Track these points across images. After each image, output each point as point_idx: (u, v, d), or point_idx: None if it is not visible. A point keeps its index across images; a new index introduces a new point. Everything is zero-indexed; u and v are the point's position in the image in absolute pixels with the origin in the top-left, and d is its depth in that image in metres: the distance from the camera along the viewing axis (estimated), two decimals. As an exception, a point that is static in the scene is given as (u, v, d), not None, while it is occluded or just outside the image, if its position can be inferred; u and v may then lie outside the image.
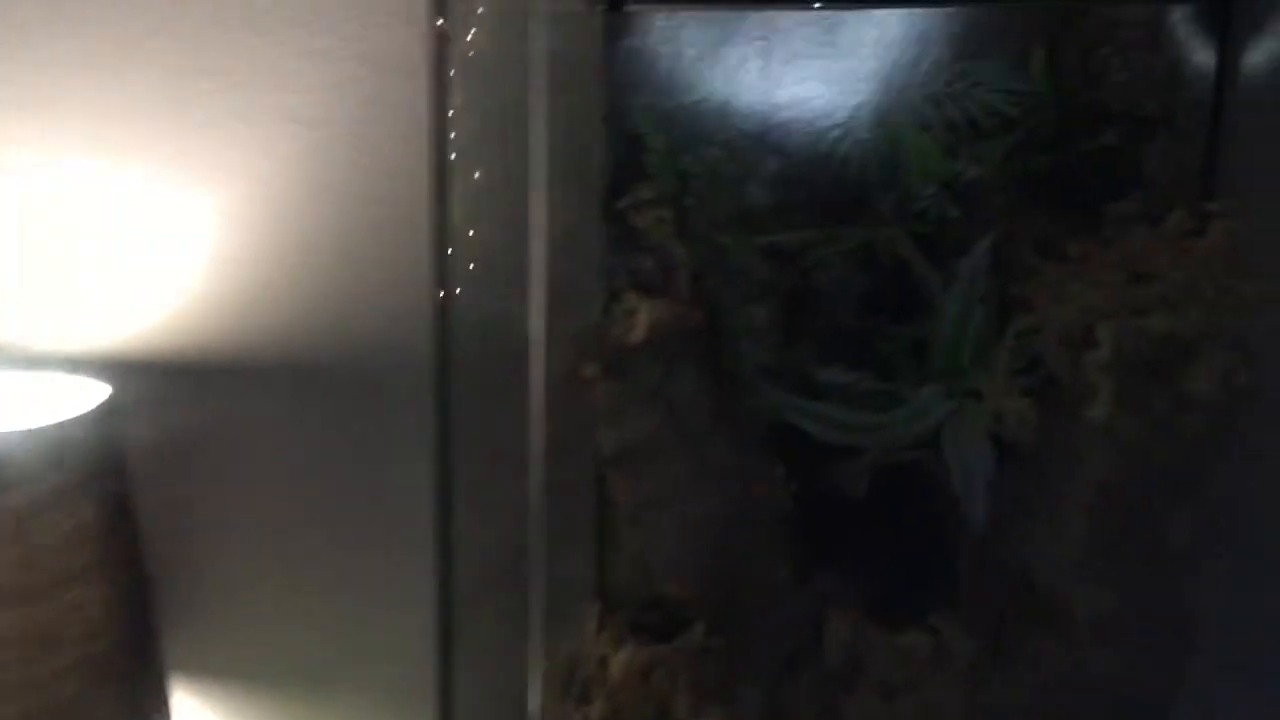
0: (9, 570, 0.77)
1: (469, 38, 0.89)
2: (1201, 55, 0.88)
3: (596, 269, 0.90)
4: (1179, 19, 0.88)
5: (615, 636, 0.93)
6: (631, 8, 0.90)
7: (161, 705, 0.92)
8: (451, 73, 0.89)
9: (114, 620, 0.83)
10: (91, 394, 0.86)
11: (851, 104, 0.91)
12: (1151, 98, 0.88)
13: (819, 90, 0.91)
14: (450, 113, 0.90)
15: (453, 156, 0.90)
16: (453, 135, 0.90)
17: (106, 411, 0.84)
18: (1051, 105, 0.90)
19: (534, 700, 0.94)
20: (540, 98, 0.87)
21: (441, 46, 0.89)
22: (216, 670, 1.02)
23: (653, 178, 0.91)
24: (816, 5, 0.89)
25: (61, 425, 0.80)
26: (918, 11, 0.90)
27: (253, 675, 1.02)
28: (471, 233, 0.91)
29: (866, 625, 0.89)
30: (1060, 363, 0.84)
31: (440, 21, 0.88)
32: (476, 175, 0.90)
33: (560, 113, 0.88)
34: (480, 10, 0.86)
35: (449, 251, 0.91)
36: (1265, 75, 0.84)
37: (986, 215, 0.91)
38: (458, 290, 0.92)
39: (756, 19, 0.90)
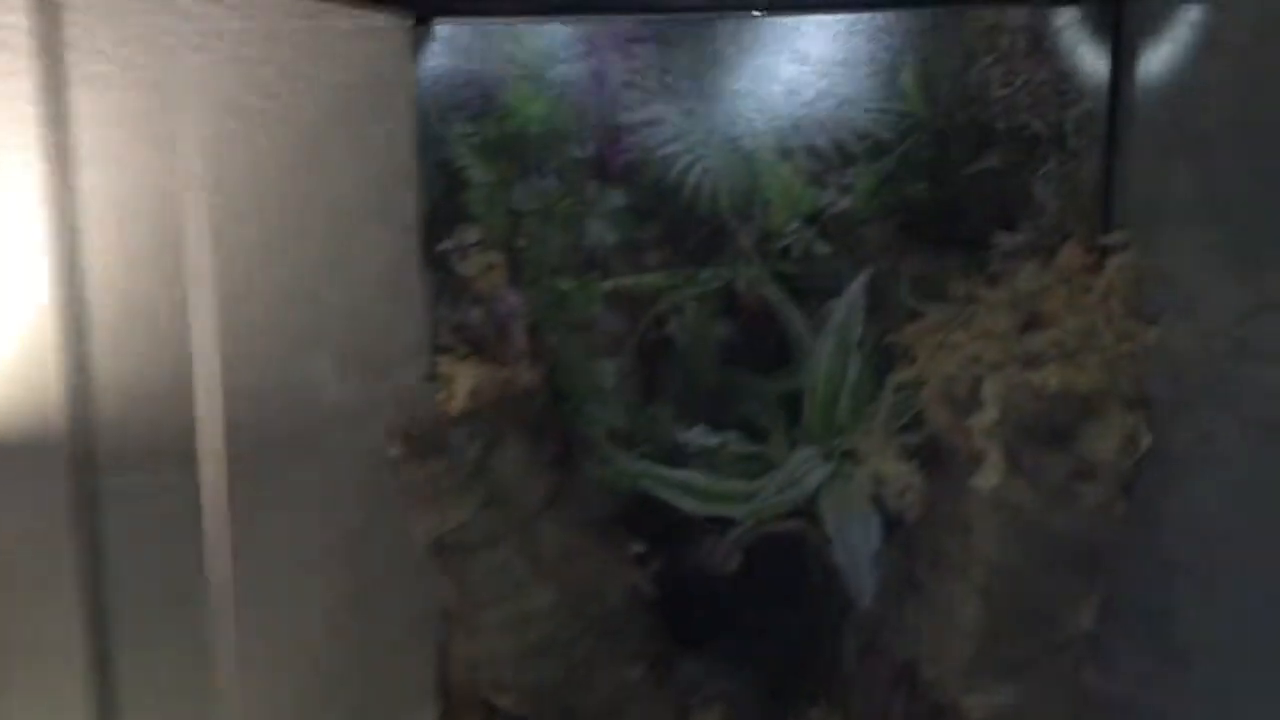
0: None
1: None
2: (1093, 64, 0.78)
3: (417, 324, 0.78)
4: (1066, 23, 0.77)
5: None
6: (442, 21, 0.78)
7: None
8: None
9: None
10: None
11: (701, 128, 0.79)
12: (1038, 114, 0.77)
13: (662, 112, 0.79)
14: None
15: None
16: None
17: None
18: (927, 125, 0.79)
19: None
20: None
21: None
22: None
23: (478, 217, 0.79)
24: (649, 15, 0.77)
25: None
26: (773, 20, 0.79)
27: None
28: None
29: (737, 726, 0.78)
30: (944, 422, 0.73)
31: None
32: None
33: (360, 143, 0.76)
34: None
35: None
36: (1164, 84, 0.73)
37: (860, 252, 0.80)
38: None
39: (588, 33, 0.78)
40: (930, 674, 0.70)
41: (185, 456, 0.79)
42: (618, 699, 0.73)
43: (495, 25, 0.79)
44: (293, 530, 0.79)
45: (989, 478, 0.68)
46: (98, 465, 0.74)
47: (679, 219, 0.80)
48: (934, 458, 0.76)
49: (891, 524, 0.79)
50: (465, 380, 0.71)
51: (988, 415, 0.68)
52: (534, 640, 0.71)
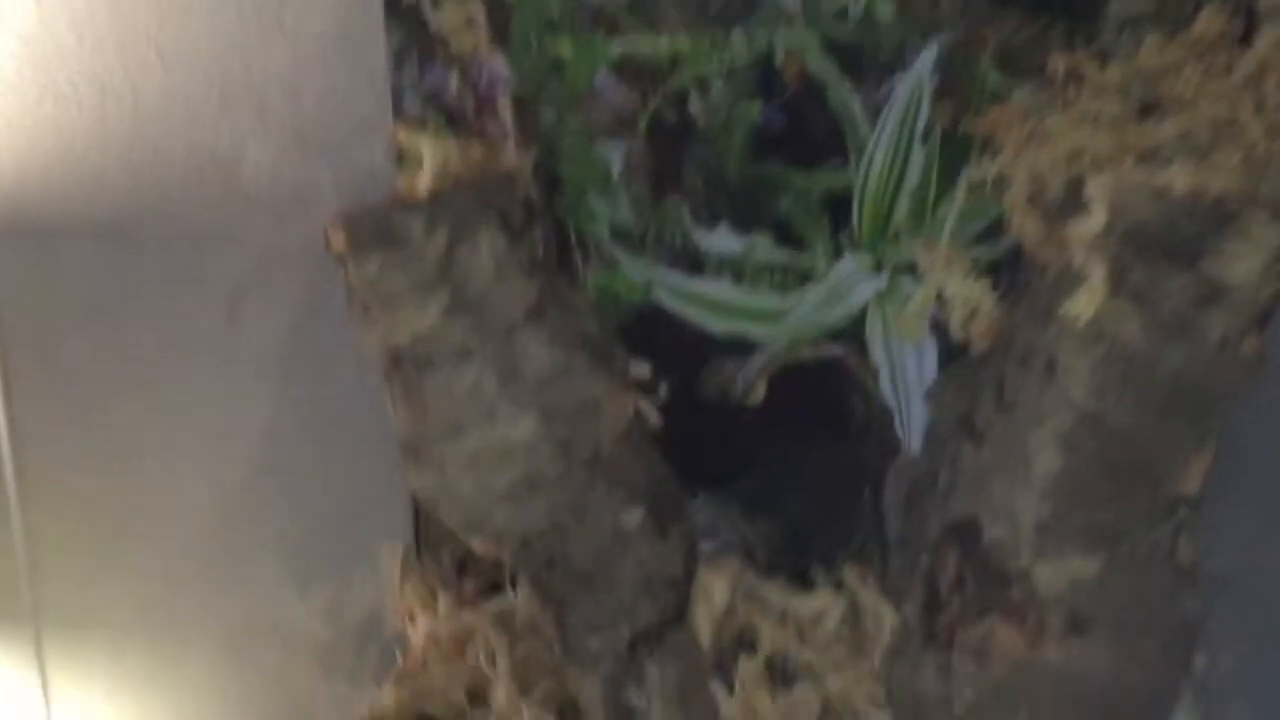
0: None
1: None
2: None
3: (376, 92, 0.63)
4: None
5: (424, 589, 0.69)
6: None
7: None
8: None
9: None
10: None
11: None
12: None
13: None
14: None
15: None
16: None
17: None
18: None
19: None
20: None
21: None
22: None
23: (456, -45, 0.63)
24: None
25: None
26: None
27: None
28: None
29: (754, 583, 0.66)
30: (1031, 232, 0.58)
31: None
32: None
33: None
34: None
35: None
36: None
37: (932, 16, 0.63)
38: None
39: None
40: (994, 535, 0.58)
41: (81, 233, 0.66)
42: (612, 549, 0.61)
43: None
44: (214, 337, 0.66)
45: (1088, 302, 0.54)
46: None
47: (708, -34, 0.63)
48: (1013, 276, 0.61)
49: (953, 355, 0.66)
50: (433, 156, 0.57)
51: (1092, 222, 0.53)
52: (511, 478, 0.58)
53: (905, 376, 0.68)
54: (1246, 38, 0.57)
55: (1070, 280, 0.55)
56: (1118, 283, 0.53)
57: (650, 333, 0.69)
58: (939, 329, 0.66)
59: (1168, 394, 0.55)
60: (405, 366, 0.58)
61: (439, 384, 0.58)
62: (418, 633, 0.67)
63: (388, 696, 0.65)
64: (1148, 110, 0.57)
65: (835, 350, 0.69)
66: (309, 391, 0.67)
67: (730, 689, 0.62)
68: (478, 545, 0.61)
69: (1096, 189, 0.54)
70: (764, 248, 0.67)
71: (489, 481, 0.59)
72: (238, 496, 0.71)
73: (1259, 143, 0.53)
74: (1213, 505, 0.58)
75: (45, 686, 0.80)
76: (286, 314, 0.65)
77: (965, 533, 0.60)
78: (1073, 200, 0.56)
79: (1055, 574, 0.56)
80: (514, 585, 0.69)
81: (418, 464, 0.59)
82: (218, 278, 0.65)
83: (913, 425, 0.68)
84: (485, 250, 0.57)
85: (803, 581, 0.68)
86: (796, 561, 0.70)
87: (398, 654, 0.70)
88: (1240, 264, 0.52)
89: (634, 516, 0.61)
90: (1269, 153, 0.53)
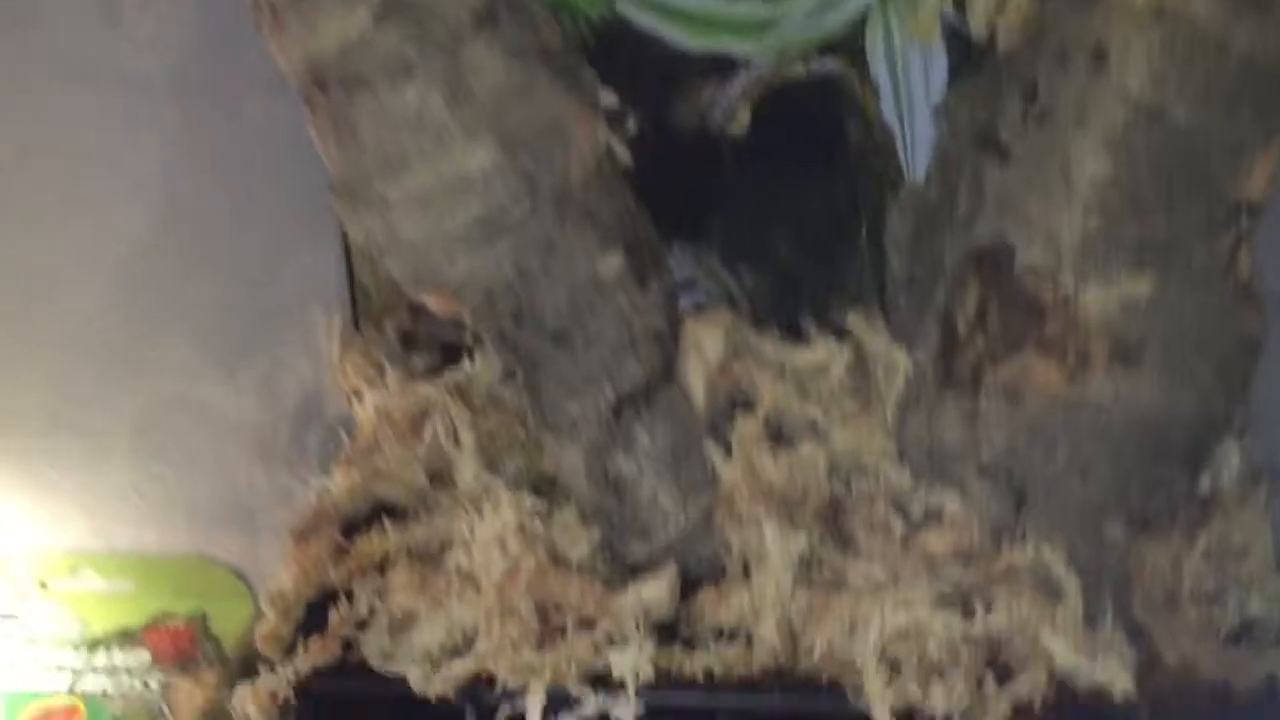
0: None
1: None
2: None
3: None
4: None
5: (368, 364, 0.61)
6: None
7: None
8: None
9: None
10: None
11: None
12: None
13: None
14: None
15: None
16: None
17: None
18: None
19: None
20: None
21: None
22: None
23: None
24: None
25: None
26: None
27: None
28: None
29: (748, 335, 0.58)
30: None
31: None
32: None
33: None
34: None
35: None
36: None
37: None
38: None
39: None
40: (1029, 260, 0.50)
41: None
42: (589, 301, 0.52)
43: None
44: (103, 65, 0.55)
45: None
46: None
47: None
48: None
49: (967, 62, 0.57)
50: None
51: None
52: (468, 218, 0.49)
53: (910, 92, 0.59)
54: None
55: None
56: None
57: (615, 55, 0.59)
58: (953, 30, 0.58)
59: (1237, 80, 0.47)
60: (332, 88, 0.47)
61: (375, 108, 0.48)
62: (365, 411, 0.59)
63: (338, 483, 0.57)
64: None
65: (829, 66, 0.60)
66: (213, 129, 0.57)
67: (727, 450, 0.55)
68: (433, 302, 0.52)
69: None
70: (747, -58, 0.57)
71: (443, 223, 0.49)
72: (141, 263, 0.61)
73: None
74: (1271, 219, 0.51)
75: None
76: (178, 31, 0.54)
77: (993, 260, 0.52)
78: None
79: (1103, 298, 0.49)
80: (470, 356, 0.61)
81: (355, 208, 0.50)
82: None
83: (918, 149, 0.60)
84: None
85: (795, 335, 0.60)
86: (787, 314, 0.62)
87: (344, 438, 0.62)
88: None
89: (611, 263, 0.53)
90: None
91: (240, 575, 0.78)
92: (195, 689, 0.73)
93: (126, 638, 0.77)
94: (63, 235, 0.62)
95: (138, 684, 0.74)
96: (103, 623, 0.77)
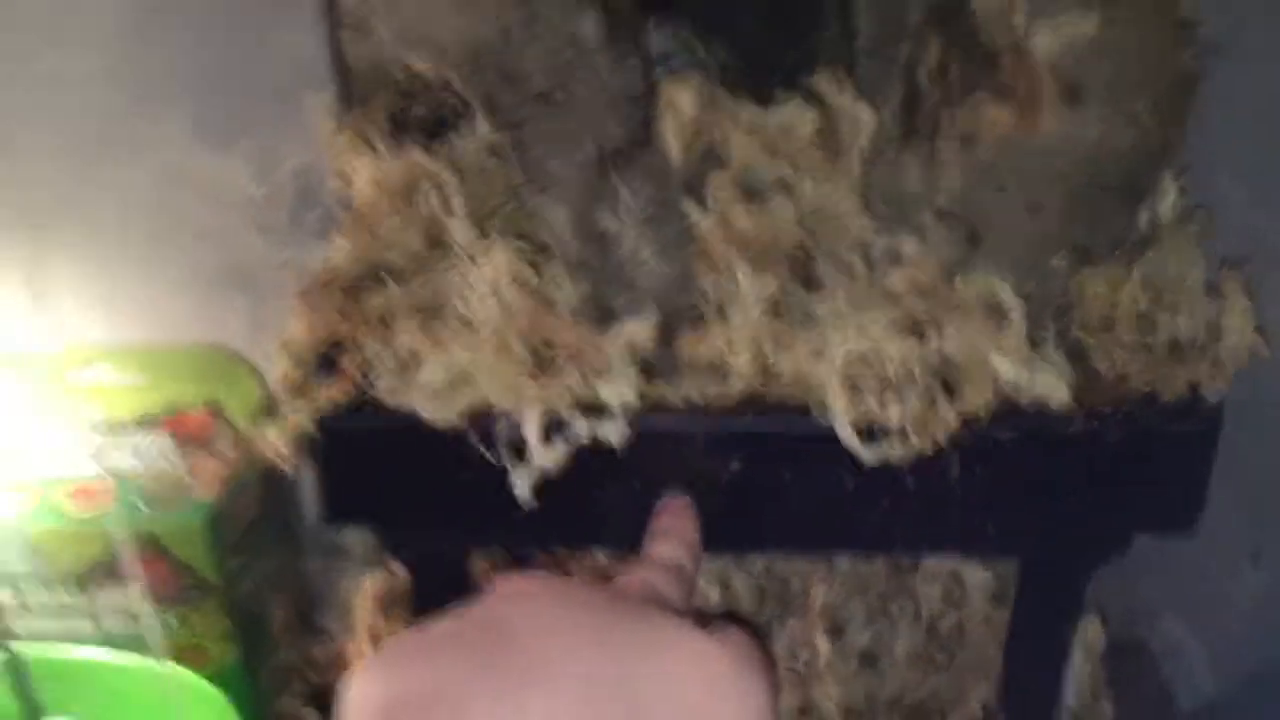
0: None
1: None
2: None
3: None
4: None
5: (359, 140, 0.63)
6: None
7: None
8: None
9: None
10: None
11: None
12: None
13: None
14: None
15: None
16: None
17: None
18: None
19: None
20: None
21: None
22: None
23: None
24: None
25: None
26: None
27: None
28: None
29: (719, 97, 0.62)
30: None
31: None
32: None
33: None
34: None
35: None
36: None
37: None
38: None
39: None
40: (984, 5, 0.53)
41: None
42: (570, 62, 0.55)
43: None
44: None
45: None
46: None
47: None
48: None
49: None
50: None
51: None
52: (449, -20, 0.52)
53: None
54: None
55: None
56: None
57: None
58: None
59: None
60: None
61: None
62: (361, 181, 0.62)
63: (339, 251, 0.61)
64: None
65: None
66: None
67: (703, 205, 0.59)
68: (421, 65, 0.55)
69: None
70: None
71: (426, -14, 0.52)
72: (133, 39, 0.63)
73: None
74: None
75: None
76: None
77: (949, 10, 0.55)
78: None
79: (1051, 38, 0.52)
80: (457, 130, 0.64)
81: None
82: None
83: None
84: None
85: (768, 102, 0.63)
86: (760, 84, 0.65)
87: (340, 214, 0.65)
88: None
89: (588, 24, 0.55)
90: None
91: (249, 361, 0.82)
92: (215, 461, 0.78)
93: (146, 424, 0.81)
94: (52, 14, 0.63)
95: (162, 462, 0.79)
96: (122, 412, 0.82)
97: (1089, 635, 0.71)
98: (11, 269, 0.75)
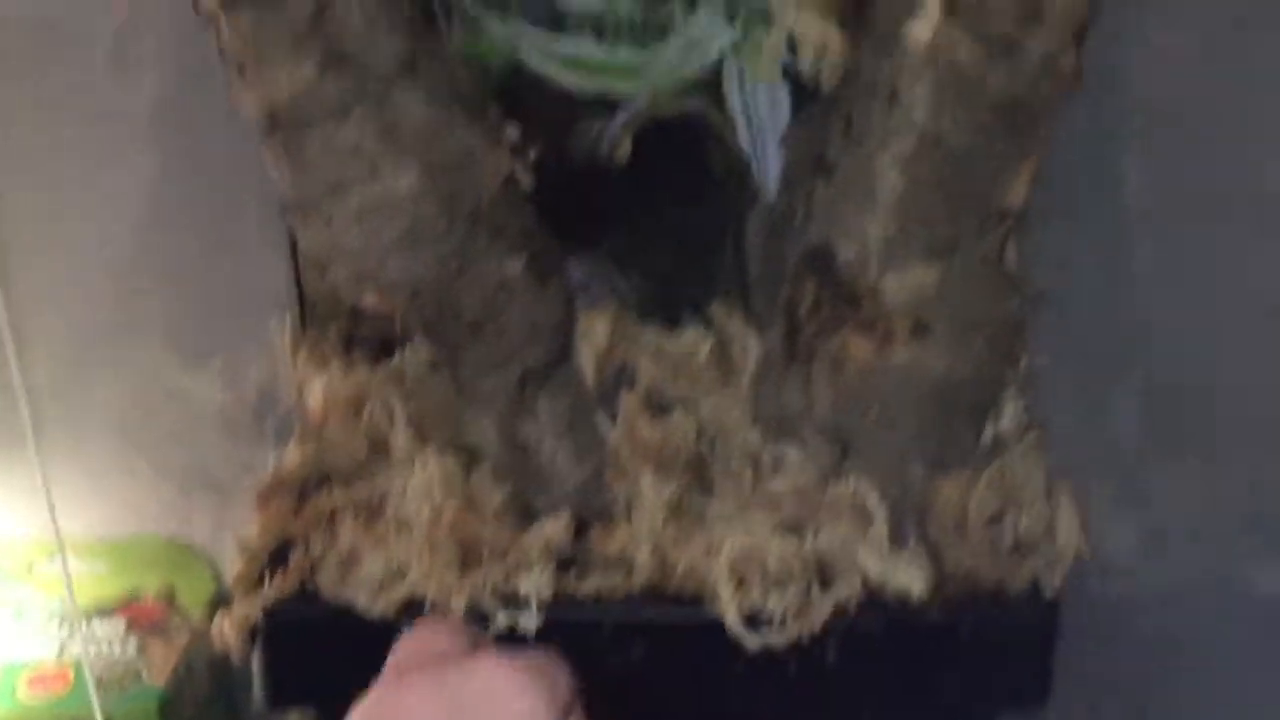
0: None
1: None
2: None
3: None
4: None
5: (316, 358, 0.72)
6: None
7: None
8: None
9: None
10: None
11: None
12: None
13: None
14: None
15: None
16: None
17: None
18: None
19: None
20: None
21: None
22: None
23: None
24: None
25: None
26: None
27: None
28: None
29: (629, 325, 0.71)
30: (873, -33, 0.62)
31: None
32: None
33: None
34: None
35: None
36: None
37: None
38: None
39: None
40: (846, 257, 0.63)
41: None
42: (498, 297, 0.64)
43: None
44: (83, 105, 0.66)
45: (924, 27, 0.58)
46: None
47: None
48: (858, 13, 0.65)
49: (804, 97, 0.70)
50: (292, -86, 0.57)
51: (926, -48, 0.57)
52: (398, 230, 0.61)
53: (761, 124, 0.72)
54: None
55: (909, 9, 0.59)
56: (950, 6, 0.58)
57: (518, 96, 0.71)
58: (791, 76, 0.71)
59: (996, 111, 0.60)
60: (285, 126, 0.59)
61: (320, 142, 0.60)
62: (314, 395, 0.70)
63: (292, 456, 0.68)
64: None
65: (694, 103, 0.73)
66: (186, 162, 0.68)
67: (614, 419, 0.67)
68: (370, 299, 0.64)
69: (929, -80, 0.58)
70: (623, 2, 0.69)
71: (377, 234, 0.61)
72: (123, 273, 0.72)
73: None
74: (1040, 224, 0.65)
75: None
76: (157, 79, 0.65)
77: (820, 259, 0.65)
78: (909, -64, 0.59)
79: (900, 284, 0.62)
80: (402, 349, 0.73)
81: (305, 223, 0.62)
82: (89, 40, 0.65)
83: (769, 171, 0.73)
84: (354, 4, 0.58)
85: (675, 326, 0.73)
86: (667, 310, 0.75)
87: (296, 422, 0.73)
88: (1056, -15, 0.57)
89: (515, 265, 0.65)
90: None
91: (208, 554, 0.89)
92: (168, 649, 0.84)
93: (104, 611, 0.87)
94: (54, 249, 0.73)
95: (116, 649, 0.84)
96: (82, 599, 0.87)
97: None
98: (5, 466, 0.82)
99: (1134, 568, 0.62)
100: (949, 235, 0.62)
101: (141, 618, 0.86)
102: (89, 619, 0.86)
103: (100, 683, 0.80)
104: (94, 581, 0.89)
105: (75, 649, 0.84)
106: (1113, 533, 0.62)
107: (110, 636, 0.85)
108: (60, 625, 0.86)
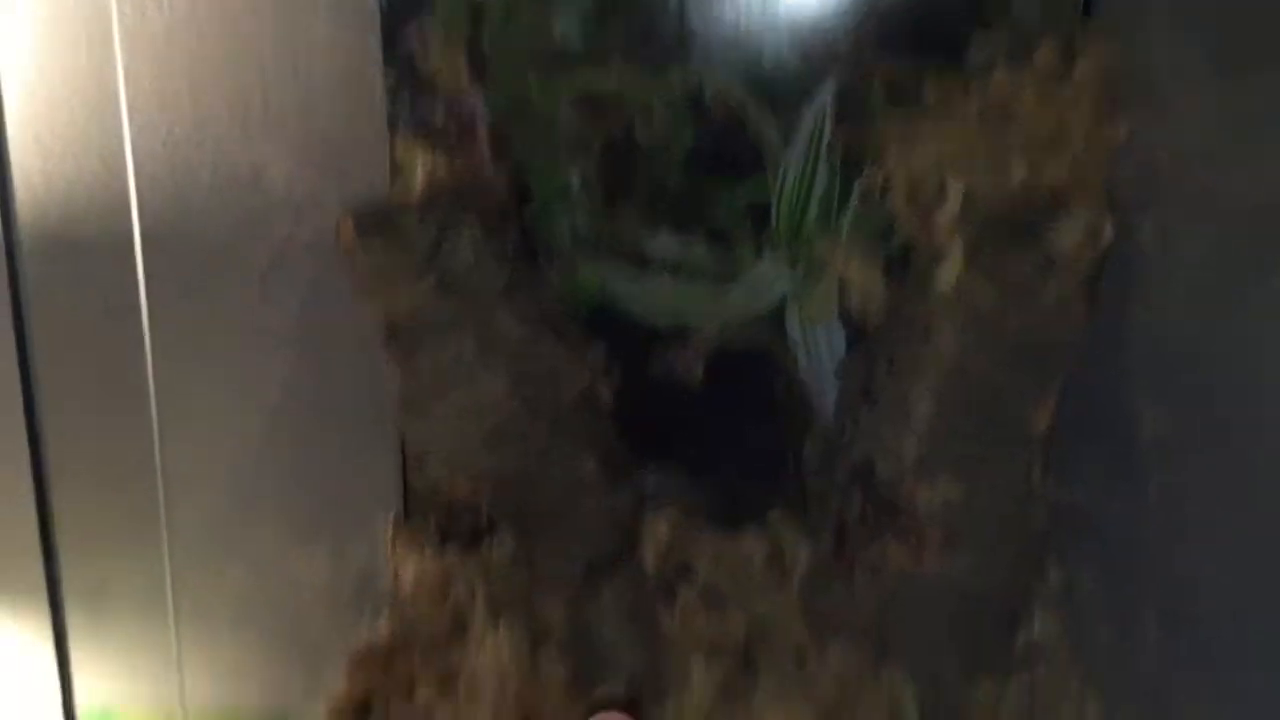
0: None
1: None
2: None
3: (374, 117, 0.77)
4: None
5: (410, 546, 0.81)
6: None
7: None
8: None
9: None
10: None
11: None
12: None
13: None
14: None
15: None
16: None
17: None
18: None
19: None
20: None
21: None
22: None
23: (439, 12, 0.77)
24: None
25: None
26: None
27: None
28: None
29: (691, 528, 0.78)
30: (910, 223, 0.72)
31: None
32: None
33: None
34: None
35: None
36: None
37: (831, 58, 0.78)
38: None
39: None
40: (884, 473, 0.70)
41: (120, 243, 0.79)
42: (572, 494, 0.73)
43: None
44: (238, 320, 0.78)
45: (949, 274, 0.67)
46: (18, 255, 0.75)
47: (648, 21, 0.78)
48: (900, 264, 0.75)
49: (856, 334, 0.79)
50: (423, 166, 0.70)
51: (949, 209, 0.67)
52: (487, 429, 0.71)
53: (820, 357, 0.81)
54: (1074, 66, 0.71)
55: (938, 259, 0.69)
56: (973, 257, 0.67)
57: (604, 325, 0.82)
58: (845, 316, 0.80)
59: (1016, 348, 0.68)
60: (401, 337, 0.71)
61: (429, 351, 0.70)
62: (407, 574, 0.79)
63: (381, 630, 0.76)
64: (998, 125, 0.71)
65: (760, 337, 0.82)
66: (316, 370, 0.79)
67: (671, 611, 0.74)
68: (461, 487, 0.73)
69: (952, 184, 0.68)
70: (699, 250, 0.80)
71: (469, 431, 0.71)
72: (248, 468, 0.82)
73: (1079, 144, 0.67)
74: (1068, 442, 0.71)
75: (65, 660, 0.91)
76: (299, 298, 0.78)
77: (864, 473, 0.73)
78: (939, 196, 0.70)
79: (931, 497, 0.68)
80: (490, 541, 0.81)
81: (411, 418, 0.72)
82: (245, 266, 0.78)
83: (826, 395, 0.81)
84: (465, 240, 0.70)
85: (732, 526, 0.80)
86: (731, 518, 0.82)
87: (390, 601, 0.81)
88: (1066, 238, 0.65)
89: (588, 465, 0.74)
90: (1088, 152, 0.67)
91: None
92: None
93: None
94: (190, 448, 0.84)
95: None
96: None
97: None
98: (134, 641, 0.91)
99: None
100: (976, 455, 0.69)
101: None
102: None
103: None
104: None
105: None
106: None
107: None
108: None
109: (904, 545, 0.69)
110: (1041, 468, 0.69)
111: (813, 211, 0.80)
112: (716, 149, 0.81)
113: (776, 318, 0.81)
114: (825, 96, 0.78)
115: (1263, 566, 0.69)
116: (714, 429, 0.84)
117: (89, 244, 0.81)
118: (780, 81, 0.79)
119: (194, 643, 0.89)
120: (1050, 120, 0.69)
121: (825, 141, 0.78)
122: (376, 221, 0.68)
